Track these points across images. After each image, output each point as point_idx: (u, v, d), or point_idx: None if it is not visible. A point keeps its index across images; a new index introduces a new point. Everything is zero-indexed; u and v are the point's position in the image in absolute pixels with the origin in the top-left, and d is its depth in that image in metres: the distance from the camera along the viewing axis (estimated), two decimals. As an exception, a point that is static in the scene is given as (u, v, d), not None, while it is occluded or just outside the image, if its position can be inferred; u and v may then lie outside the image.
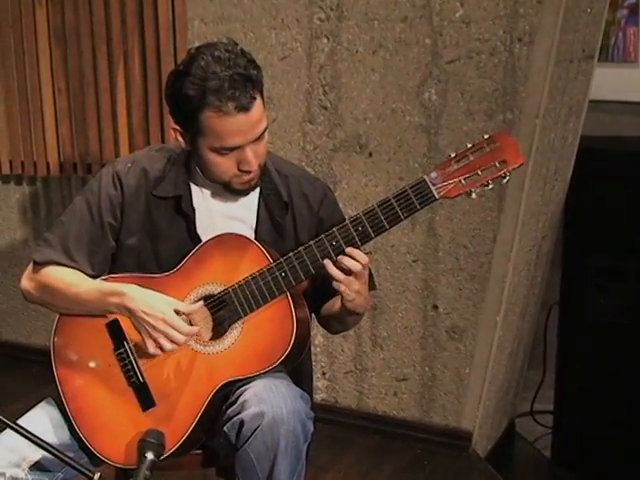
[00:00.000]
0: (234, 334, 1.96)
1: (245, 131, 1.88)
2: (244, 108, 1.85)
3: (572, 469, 3.48)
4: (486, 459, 3.35)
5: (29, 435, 1.78)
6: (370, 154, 3.18)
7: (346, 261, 1.89)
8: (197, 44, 3.30)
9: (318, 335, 3.35)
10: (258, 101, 1.88)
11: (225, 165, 1.94)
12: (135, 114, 3.55)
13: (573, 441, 3.50)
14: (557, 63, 2.98)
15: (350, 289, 1.91)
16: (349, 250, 1.89)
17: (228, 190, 2.02)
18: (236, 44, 1.93)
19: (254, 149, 1.92)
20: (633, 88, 4.43)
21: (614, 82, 4.36)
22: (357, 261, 1.89)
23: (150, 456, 1.81)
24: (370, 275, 2.17)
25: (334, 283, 1.90)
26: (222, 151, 1.91)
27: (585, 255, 3.37)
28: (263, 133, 1.93)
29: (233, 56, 1.86)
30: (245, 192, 2.02)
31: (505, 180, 1.86)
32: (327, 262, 1.89)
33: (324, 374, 3.47)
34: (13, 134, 3.84)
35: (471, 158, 1.85)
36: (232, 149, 1.91)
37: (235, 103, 1.84)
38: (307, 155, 3.27)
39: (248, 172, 1.94)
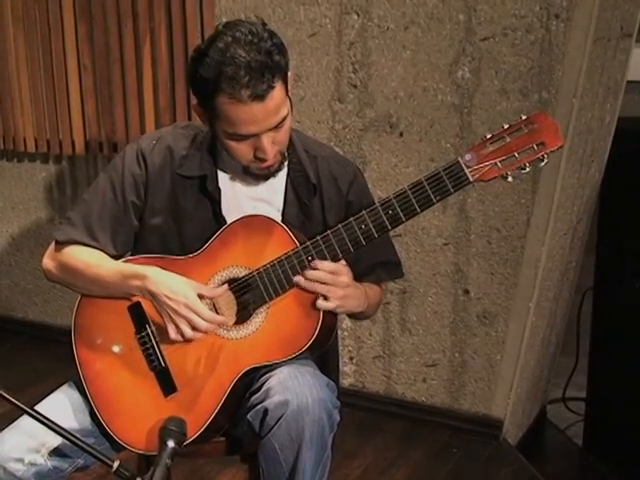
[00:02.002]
0: (259, 319, 1.90)
1: (260, 120, 1.81)
2: (259, 97, 1.77)
3: (604, 457, 3.41)
4: (517, 447, 3.29)
5: (47, 422, 1.73)
6: (401, 134, 3.10)
7: (309, 275, 1.85)
8: (224, 20, 3.27)
9: (346, 319, 3.29)
10: (277, 90, 1.80)
11: (241, 150, 1.88)
12: (162, 92, 3.50)
13: (605, 429, 3.42)
14: (595, 41, 2.88)
15: (334, 297, 1.86)
16: (312, 263, 1.85)
17: (247, 174, 1.96)
18: (264, 24, 1.85)
19: (272, 137, 1.85)
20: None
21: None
22: (325, 271, 1.85)
23: (171, 444, 1.76)
24: (395, 263, 2.11)
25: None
26: (236, 137, 1.85)
27: (620, 239, 3.29)
28: (283, 121, 1.85)
29: (256, 40, 1.78)
30: (265, 177, 1.96)
31: (543, 163, 1.78)
32: (298, 278, 1.86)
33: (352, 359, 3.41)
34: (39, 112, 3.81)
35: (508, 140, 1.77)
36: (247, 137, 1.84)
37: (250, 91, 1.76)
38: (336, 135, 3.20)
39: (264, 161, 1.88)
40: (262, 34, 1.81)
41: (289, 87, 1.89)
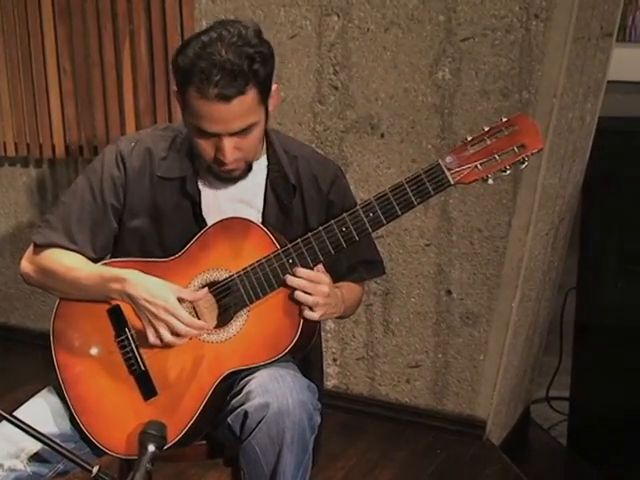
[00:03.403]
0: (239, 322, 1.89)
1: (223, 121, 1.80)
2: (225, 97, 1.76)
3: (588, 456, 3.41)
4: (500, 447, 3.29)
5: (26, 427, 1.71)
6: (382, 135, 3.10)
7: (291, 283, 1.84)
8: (204, 22, 3.26)
9: (329, 320, 3.28)
10: (248, 97, 1.79)
11: (203, 147, 1.87)
12: (142, 94, 3.48)
13: (589, 428, 3.43)
14: (575, 41, 2.89)
15: (316, 306, 1.85)
16: (294, 270, 1.84)
17: (210, 173, 1.96)
18: (259, 31, 1.84)
19: (235, 141, 1.84)
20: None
21: (632, 63, 4.25)
22: (305, 279, 1.84)
23: (151, 448, 1.75)
24: (376, 262, 2.12)
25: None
26: (200, 132, 1.84)
27: (603, 239, 3.29)
28: (249, 129, 1.84)
29: (241, 42, 1.77)
30: (230, 179, 1.95)
31: (523, 165, 1.78)
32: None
33: (335, 360, 3.40)
34: (18, 116, 3.78)
35: (488, 142, 1.77)
36: (209, 134, 1.83)
37: (217, 90, 1.76)
38: (317, 136, 3.19)
39: (223, 163, 1.87)
40: (250, 39, 1.80)
41: (270, 99, 1.88)
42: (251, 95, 1.80)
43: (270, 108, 1.90)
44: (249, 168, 1.95)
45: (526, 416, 3.69)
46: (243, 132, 1.84)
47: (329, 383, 3.39)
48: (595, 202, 3.32)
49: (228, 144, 1.83)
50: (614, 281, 3.30)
